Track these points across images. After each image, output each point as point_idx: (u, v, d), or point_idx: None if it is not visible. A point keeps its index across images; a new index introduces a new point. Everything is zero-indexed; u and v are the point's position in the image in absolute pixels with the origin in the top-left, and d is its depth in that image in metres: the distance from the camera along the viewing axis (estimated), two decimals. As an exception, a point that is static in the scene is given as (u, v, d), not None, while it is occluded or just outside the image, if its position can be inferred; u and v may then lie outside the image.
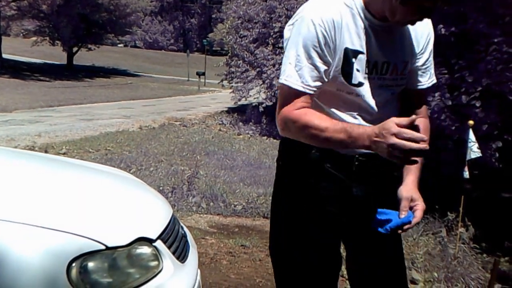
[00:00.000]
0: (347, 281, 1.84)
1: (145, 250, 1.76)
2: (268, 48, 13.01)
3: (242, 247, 4.10)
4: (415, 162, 1.42)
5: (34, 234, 1.59)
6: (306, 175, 1.64)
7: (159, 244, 1.80)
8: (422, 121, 1.62)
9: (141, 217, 1.98)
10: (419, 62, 1.69)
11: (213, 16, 57.71)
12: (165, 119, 13.17)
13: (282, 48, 13.86)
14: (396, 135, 1.36)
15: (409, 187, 1.63)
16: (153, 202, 2.24)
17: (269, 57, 12.70)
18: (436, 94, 5.06)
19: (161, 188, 5.60)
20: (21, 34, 38.62)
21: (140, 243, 1.74)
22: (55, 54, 33.42)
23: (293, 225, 1.70)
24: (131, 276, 1.69)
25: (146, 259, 1.76)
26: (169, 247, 1.86)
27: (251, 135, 11.60)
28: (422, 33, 1.67)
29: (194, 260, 2.09)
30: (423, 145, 1.35)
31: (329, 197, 1.63)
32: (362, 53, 1.55)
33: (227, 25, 16.22)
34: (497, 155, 5.02)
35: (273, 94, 12.26)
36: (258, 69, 13.24)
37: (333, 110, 1.60)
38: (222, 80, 15.53)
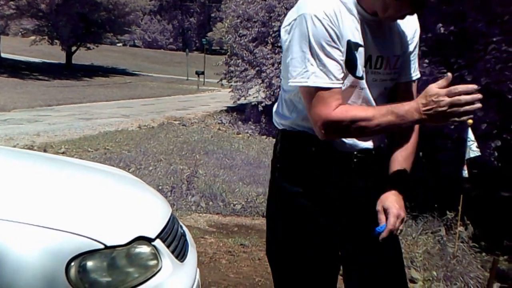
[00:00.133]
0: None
1: (144, 249, 1.76)
2: (268, 47, 13.01)
3: (241, 246, 4.10)
4: (472, 114, 1.41)
5: (33, 233, 1.59)
6: (308, 166, 1.63)
7: (158, 243, 1.80)
8: None
9: (140, 216, 1.97)
10: (408, 55, 1.70)
11: (212, 15, 57.65)
12: (164, 118, 13.16)
13: (281, 47, 13.93)
14: (447, 95, 1.38)
15: (382, 198, 1.61)
16: (152, 201, 2.24)
17: (268, 56, 12.69)
18: (435, 93, 5.06)
19: (160, 187, 5.60)
20: (20, 33, 38.56)
21: (139, 242, 1.74)
22: (54, 53, 33.39)
23: (292, 224, 1.69)
24: (130, 275, 1.68)
25: (145, 258, 1.75)
26: (168, 246, 1.86)
27: (250, 134, 11.60)
28: (409, 26, 1.68)
29: (193, 259, 2.08)
30: (477, 95, 1.37)
31: (331, 185, 1.63)
32: (361, 46, 1.55)
33: (226, 24, 16.21)
34: (496, 154, 5.03)
35: (272, 93, 12.26)
36: (257, 68, 13.24)
37: None
38: (221, 79, 15.52)
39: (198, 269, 2.11)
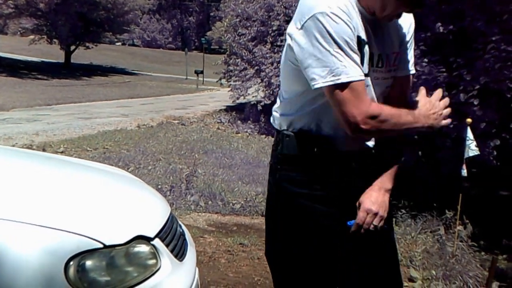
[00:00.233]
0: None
1: (143, 248, 1.75)
2: (267, 46, 12.99)
3: (240, 246, 4.10)
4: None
5: (32, 232, 1.58)
6: (310, 167, 1.63)
7: (157, 242, 1.80)
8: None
9: (139, 216, 1.97)
10: (405, 51, 1.72)
11: (211, 14, 57.61)
12: (163, 117, 13.15)
13: (280, 46, 13.83)
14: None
15: (364, 193, 1.63)
16: (151, 200, 2.24)
17: (267, 55, 12.68)
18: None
19: (159, 186, 5.60)
20: (19, 33, 38.46)
21: (138, 241, 1.74)
22: (53, 53, 33.34)
23: (292, 224, 1.69)
24: (129, 274, 1.68)
25: (144, 257, 1.75)
26: (167, 246, 1.86)
27: (249, 134, 11.60)
28: (404, 22, 1.69)
29: (192, 259, 2.08)
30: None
31: (331, 185, 1.63)
32: (367, 43, 1.56)
33: (225, 23, 16.19)
34: (495, 153, 5.03)
35: (271, 92, 12.24)
36: (256, 68, 13.22)
37: None
38: (220, 79, 15.51)
39: (197, 268, 2.11)
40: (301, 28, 1.53)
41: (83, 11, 29.24)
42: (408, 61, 1.73)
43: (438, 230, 4.71)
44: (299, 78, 1.59)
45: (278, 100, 1.76)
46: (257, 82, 13.41)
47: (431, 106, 1.59)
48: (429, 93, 5.33)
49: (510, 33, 4.85)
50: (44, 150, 7.04)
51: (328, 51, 1.47)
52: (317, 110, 1.62)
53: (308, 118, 1.63)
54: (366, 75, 1.56)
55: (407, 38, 1.71)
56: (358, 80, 1.48)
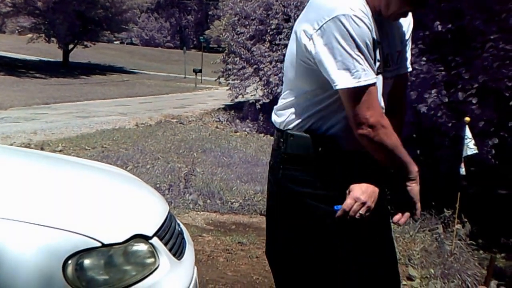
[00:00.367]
0: None
1: (141, 247, 1.75)
2: (265, 45, 12.99)
3: (239, 244, 4.10)
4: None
5: (30, 231, 1.58)
6: (314, 166, 1.64)
7: (155, 241, 1.80)
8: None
9: (137, 214, 1.97)
10: (405, 49, 1.75)
11: (210, 13, 57.58)
12: (161, 116, 13.14)
13: (279, 45, 13.80)
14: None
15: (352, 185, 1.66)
16: (150, 199, 2.24)
17: (266, 54, 12.68)
18: (433, 91, 5.06)
19: (157, 185, 5.59)
20: (17, 31, 38.47)
21: (137, 240, 1.74)
22: (51, 51, 33.30)
23: (293, 223, 1.70)
24: (128, 273, 1.68)
25: (143, 256, 1.75)
26: (165, 244, 1.85)
27: (248, 132, 11.59)
28: (404, 21, 1.71)
29: (190, 257, 2.08)
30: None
31: (335, 185, 1.64)
32: (379, 43, 1.58)
33: (223, 22, 16.20)
34: (494, 151, 5.04)
35: (269, 91, 12.25)
36: (255, 66, 13.22)
37: None
38: (219, 77, 15.49)
39: (195, 267, 2.11)
40: (320, 28, 1.52)
41: (81, 9, 29.20)
42: (407, 59, 1.76)
43: (436, 228, 4.71)
44: (310, 77, 1.60)
45: (281, 100, 1.76)
46: (255, 80, 13.41)
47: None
48: (427, 91, 5.31)
49: (509, 32, 4.86)
50: (42, 149, 7.03)
51: (350, 53, 1.49)
52: (323, 110, 1.62)
53: (314, 118, 1.63)
54: (379, 73, 1.60)
55: (407, 36, 1.74)
56: (374, 84, 1.53)
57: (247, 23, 13.72)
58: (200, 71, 27.29)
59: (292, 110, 1.68)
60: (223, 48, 16.30)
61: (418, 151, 5.62)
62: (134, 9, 36.68)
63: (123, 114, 13.53)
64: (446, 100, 5.05)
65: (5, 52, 31.33)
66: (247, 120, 13.07)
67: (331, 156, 1.62)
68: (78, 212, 1.77)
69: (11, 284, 1.50)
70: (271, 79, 11.92)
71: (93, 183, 2.26)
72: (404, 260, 3.92)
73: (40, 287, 1.53)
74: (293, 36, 1.67)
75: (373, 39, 1.54)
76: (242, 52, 13.65)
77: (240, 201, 5.47)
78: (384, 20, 1.61)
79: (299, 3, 11.39)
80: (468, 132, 3.90)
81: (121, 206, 2.00)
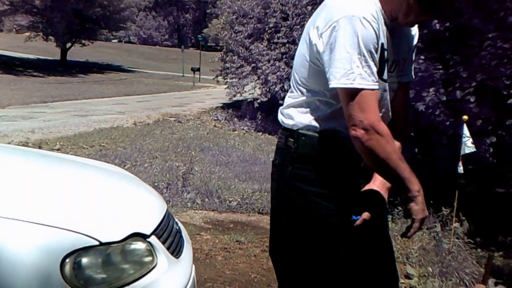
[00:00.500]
0: None
1: (139, 245, 1.75)
2: (263, 43, 12.98)
3: (237, 243, 4.10)
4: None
5: (28, 230, 1.57)
6: (325, 165, 1.66)
7: (153, 239, 1.80)
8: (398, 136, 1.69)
9: (135, 213, 1.97)
10: (411, 57, 1.77)
11: (208, 11, 57.48)
12: (159, 115, 13.13)
13: (277, 43, 13.75)
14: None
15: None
16: (147, 197, 2.23)
17: (264, 52, 12.67)
18: (431, 90, 5.06)
19: (156, 184, 5.59)
20: (14, 30, 38.40)
21: (134, 238, 1.73)
22: (49, 50, 33.24)
23: (297, 222, 1.71)
24: (125, 271, 1.68)
25: (140, 254, 1.75)
26: (163, 243, 1.85)
27: (246, 131, 11.59)
28: (412, 30, 1.74)
29: (188, 256, 2.08)
30: None
31: (339, 183, 1.66)
32: (386, 50, 1.59)
33: (222, 21, 16.18)
34: (491, 150, 5.04)
35: (268, 89, 12.25)
36: (253, 65, 13.21)
37: None
38: (217, 76, 15.48)
39: (193, 266, 2.11)
40: (329, 27, 1.54)
41: (79, 8, 29.16)
42: (411, 68, 1.79)
43: (434, 227, 4.72)
44: (320, 79, 1.61)
45: (288, 99, 1.76)
46: (253, 79, 13.41)
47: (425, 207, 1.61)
48: (425, 89, 5.32)
49: (507, 31, 4.86)
50: (40, 147, 7.02)
51: (349, 54, 1.49)
52: (334, 111, 1.63)
53: (325, 119, 1.65)
54: (385, 80, 1.60)
55: (413, 45, 1.76)
56: (370, 89, 1.51)
57: (245, 21, 13.71)
58: (198, 69, 27.27)
59: (302, 110, 1.69)
60: (221, 47, 16.28)
61: (416, 150, 5.63)
62: (132, 8, 36.69)
63: (121, 112, 13.51)
64: (444, 98, 5.05)
65: (3, 50, 31.27)
66: (245, 119, 13.07)
67: (340, 156, 1.64)
68: (76, 210, 1.77)
69: (9, 283, 1.50)
70: (269, 78, 11.91)
71: (91, 181, 2.25)
72: (402, 258, 3.92)
73: (38, 286, 1.52)
74: (304, 36, 1.68)
75: (381, 44, 1.55)
76: (240, 51, 13.64)
77: (238, 199, 5.47)
78: (396, 27, 1.62)
79: (297, 2, 11.37)
80: (466, 131, 3.90)
81: (119, 204, 1.99)
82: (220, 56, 15.08)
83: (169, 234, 1.97)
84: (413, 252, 4.03)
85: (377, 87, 1.53)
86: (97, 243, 1.62)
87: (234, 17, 14.25)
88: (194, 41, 56.11)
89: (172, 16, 62.58)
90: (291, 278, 1.79)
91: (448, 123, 5.11)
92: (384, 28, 1.58)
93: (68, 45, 31.70)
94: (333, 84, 1.52)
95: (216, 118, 13.37)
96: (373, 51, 1.52)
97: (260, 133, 11.29)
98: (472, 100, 4.90)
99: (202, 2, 62.48)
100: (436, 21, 5.00)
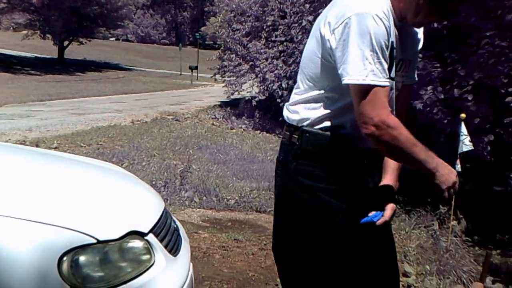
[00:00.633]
0: None
1: (137, 243, 1.75)
2: (261, 41, 12.97)
3: (235, 241, 4.10)
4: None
5: (25, 228, 1.57)
6: (329, 162, 1.67)
7: (151, 237, 1.79)
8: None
9: (133, 211, 1.96)
10: (415, 60, 1.80)
11: (206, 9, 57.39)
12: (157, 113, 13.11)
13: (275, 41, 13.72)
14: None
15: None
16: (145, 195, 2.23)
17: (262, 50, 12.66)
18: (429, 88, 5.07)
19: (153, 182, 5.58)
20: (12, 28, 38.25)
21: (132, 236, 1.73)
22: (46, 48, 33.15)
23: (301, 217, 1.72)
24: (123, 269, 1.67)
25: (138, 252, 1.74)
26: (161, 241, 1.85)
27: (244, 129, 11.59)
28: (418, 31, 1.76)
29: (186, 254, 2.08)
30: None
31: (344, 180, 1.67)
32: (395, 49, 1.60)
33: (219, 19, 16.18)
34: (489, 148, 5.05)
35: (265, 88, 12.24)
36: (251, 63, 13.20)
37: None
38: (215, 74, 15.48)
39: (191, 264, 2.11)
40: (341, 24, 1.55)
41: (77, 6, 29.07)
42: (415, 71, 1.81)
43: (432, 225, 4.73)
44: (330, 75, 1.62)
45: (294, 96, 1.77)
46: (251, 77, 13.40)
47: (451, 169, 1.61)
48: (423, 88, 5.30)
49: (504, 29, 4.86)
50: (37, 146, 7.00)
51: (362, 50, 1.50)
52: (340, 108, 1.64)
53: (330, 116, 1.66)
54: (392, 79, 1.61)
55: (418, 48, 1.78)
56: (382, 86, 1.52)
57: (243, 19, 13.70)
58: (196, 68, 27.26)
59: (308, 106, 1.70)
60: (219, 45, 16.28)
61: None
62: (130, 6, 36.56)
63: (119, 111, 13.49)
64: (442, 96, 5.06)
65: (0, 48, 31.16)
66: (243, 117, 13.06)
67: (344, 153, 1.65)
68: (74, 208, 1.76)
69: (6, 281, 1.49)
70: (267, 76, 11.90)
71: (89, 180, 2.25)
72: (400, 256, 3.93)
73: (35, 284, 1.52)
74: (314, 32, 1.68)
75: (391, 42, 1.56)
76: (238, 49, 13.63)
77: (236, 198, 5.47)
78: (403, 29, 1.64)
79: (294, 0, 11.38)
80: (463, 129, 3.91)
81: (116, 202, 1.99)
82: (218, 54, 15.08)
83: (166, 232, 1.96)
84: (411, 250, 4.04)
85: (388, 83, 1.55)
86: (94, 241, 1.61)
87: (232, 15, 14.25)
88: (192, 39, 56.08)
89: (170, 14, 62.51)
90: (293, 274, 1.80)
91: (446, 121, 5.11)
92: (393, 27, 1.59)
93: (66, 43, 31.60)
94: (346, 80, 1.53)
95: (214, 117, 13.36)
96: (385, 48, 1.53)
97: (258, 131, 11.29)
98: (470, 98, 4.91)
99: (200, 0, 62.44)
100: (434, 19, 5.00)
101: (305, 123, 1.69)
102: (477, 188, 5.73)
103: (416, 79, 1.83)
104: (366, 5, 1.52)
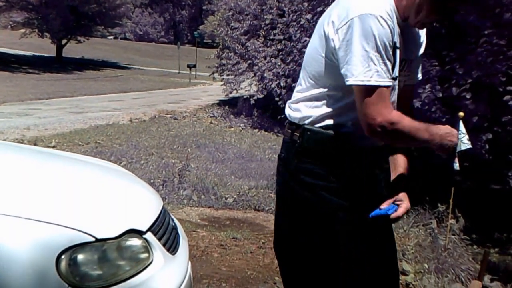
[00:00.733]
0: None
1: (135, 242, 1.74)
2: (259, 40, 12.98)
3: (233, 240, 4.10)
4: None
5: (23, 226, 1.57)
6: (330, 160, 1.68)
7: (149, 236, 1.79)
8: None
9: (131, 209, 1.96)
10: (418, 61, 1.80)
11: (204, 8, 57.41)
12: (155, 112, 13.10)
13: (273, 40, 13.74)
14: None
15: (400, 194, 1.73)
16: (143, 194, 2.23)
17: (260, 49, 12.66)
18: (427, 86, 5.06)
19: (152, 181, 5.58)
20: (9, 26, 38.13)
21: (130, 235, 1.73)
22: (44, 47, 33.11)
23: (302, 215, 1.73)
24: (121, 268, 1.67)
25: (136, 251, 1.74)
26: (159, 239, 1.85)
27: (242, 128, 11.59)
28: (421, 32, 1.76)
29: (185, 252, 2.08)
30: None
31: (344, 178, 1.68)
32: (398, 48, 1.61)
33: (218, 17, 16.17)
34: (487, 147, 5.05)
35: (264, 86, 12.24)
36: (249, 61, 13.21)
37: None
38: (213, 73, 15.48)
39: (189, 262, 2.10)
40: (345, 24, 1.55)
41: (75, 4, 29.05)
42: (418, 71, 1.82)
43: (430, 223, 4.73)
44: (332, 74, 1.62)
45: (297, 94, 1.77)
46: (250, 76, 13.40)
47: (450, 131, 1.63)
48: (421, 86, 5.29)
49: (503, 27, 4.86)
50: (35, 144, 6.99)
51: (367, 52, 1.51)
52: (342, 107, 1.65)
53: (332, 114, 1.66)
54: (395, 78, 1.61)
55: (421, 49, 1.78)
56: (385, 86, 1.53)
57: (241, 18, 13.70)
58: (194, 66, 27.24)
59: (310, 104, 1.70)
60: (217, 43, 16.28)
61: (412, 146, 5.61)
62: (128, 4, 36.56)
63: (117, 109, 13.48)
64: (440, 95, 5.05)
65: (-2, 47, 31.14)
66: (242, 116, 13.07)
67: (345, 151, 1.65)
68: (72, 207, 1.76)
69: (4, 280, 1.49)
70: (265, 75, 11.91)
71: (87, 178, 2.24)
72: (398, 255, 3.92)
73: (33, 282, 1.52)
74: (318, 30, 1.69)
75: (394, 42, 1.56)
76: (236, 47, 13.63)
77: (235, 196, 5.47)
78: (406, 28, 1.65)
79: (293, -2, 11.38)
80: (462, 127, 3.90)
81: (115, 201, 1.99)
82: (216, 53, 15.07)
83: (165, 231, 1.96)
84: (409, 249, 4.04)
85: (391, 83, 1.55)
86: (93, 239, 1.61)
87: (230, 13, 14.24)
88: (190, 37, 55.95)
89: (168, 13, 62.42)
90: (294, 272, 1.80)
91: (444, 119, 5.10)
92: (397, 26, 1.59)
93: (64, 41, 31.58)
94: (350, 81, 1.53)
95: (212, 115, 13.35)
96: (389, 48, 1.53)
97: (256, 130, 11.29)
98: (468, 96, 4.90)
99: (198, -2, 62.38)
100: (432, 17, 4.99)
101: (306, 121, 1.69)
102: (475, 187, 5.73)
103: (420, 77, 1.84)
104: (370, 5, 1.52)
